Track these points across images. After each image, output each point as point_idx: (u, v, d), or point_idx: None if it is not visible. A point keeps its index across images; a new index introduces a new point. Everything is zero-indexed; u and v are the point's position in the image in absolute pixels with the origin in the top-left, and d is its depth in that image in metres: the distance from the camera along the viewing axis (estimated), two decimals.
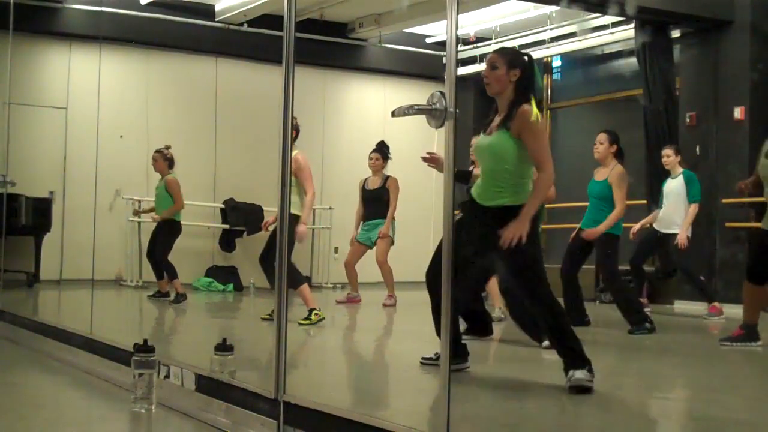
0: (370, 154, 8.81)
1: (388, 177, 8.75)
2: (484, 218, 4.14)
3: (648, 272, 8.85)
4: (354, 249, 8.83)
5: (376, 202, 8.69)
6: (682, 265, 8.01)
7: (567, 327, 4.07)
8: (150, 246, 8.60)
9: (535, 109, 4.08)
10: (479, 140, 4.28)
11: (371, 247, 8.71)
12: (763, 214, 5.69)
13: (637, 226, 8.04)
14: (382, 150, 8.80)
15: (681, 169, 7.93)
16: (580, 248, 6.82)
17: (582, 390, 3.87)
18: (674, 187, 7.89)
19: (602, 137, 6.76)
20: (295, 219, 6.50)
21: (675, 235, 7.75)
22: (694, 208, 7.76)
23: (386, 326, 7.72)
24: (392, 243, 8.72)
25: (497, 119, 4.20)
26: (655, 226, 7.96)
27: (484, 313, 5.92)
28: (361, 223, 8.82)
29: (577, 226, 7.08)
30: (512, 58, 4.17)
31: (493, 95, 4.21)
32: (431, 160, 4.54)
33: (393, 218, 8.66)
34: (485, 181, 4.20)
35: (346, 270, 8.87)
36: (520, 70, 4.13)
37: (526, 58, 4.21)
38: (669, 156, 7.97)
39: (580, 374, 3.89)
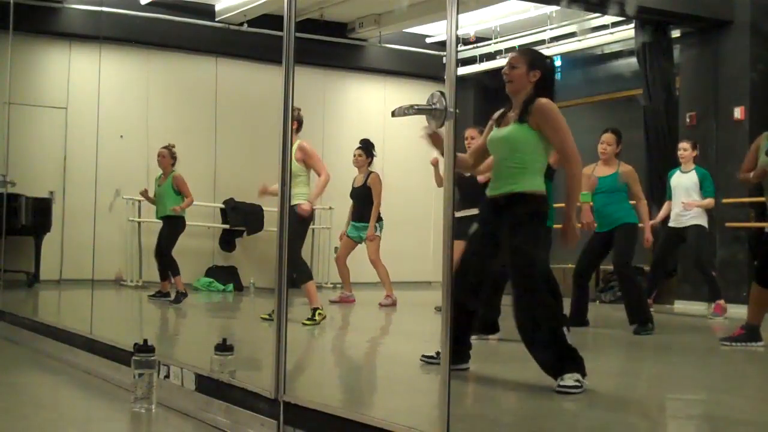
0: (354, 150, 8.76)
1: (370, 173, 8.65)
2: (496, 210, 4.17)
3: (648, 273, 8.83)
4: (344, 243, 8.81)
5: (362, 200, 8.61)
6: (697, 257, 7.93)
7: (563, 332, 4.02)
8: (158, 246, 8.59)
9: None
10: (494, 133, 4.28)
11: (361, 242, 8.68)
12: (765, 215, 5.69)
13: (652, 223, 7.98)
14: (365, 146, 8.72)
15: (693, 165, 7.90)
16: (601, 249, 6.76)
17: (569, 393, 3.84)
18: (684, 181, 7.86)
19: (610, 138, 6.71)
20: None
21: (690, 227, 7.73)
22: (709, 200, 7.78)
23: (385, 326, 7.71)
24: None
25: (512, 114, 4.21)
26: (670, 224, 7.93)
27: (496, 311, 5.89)
28: (351, 221, 8.79)
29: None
30: (533, 59, 4.21)
31: (510, 93, 4.22)
32: (433, 138, 3.88)
33: (379, 218, 8.56)
34: (498, 172, 4.22)
35: (337, 266, 8.85)
36: (540, 71, 4.16)
37: (548, 61, 4.27)
38: (686, 150, 7.93)
39: (570, 379, 3.85)
